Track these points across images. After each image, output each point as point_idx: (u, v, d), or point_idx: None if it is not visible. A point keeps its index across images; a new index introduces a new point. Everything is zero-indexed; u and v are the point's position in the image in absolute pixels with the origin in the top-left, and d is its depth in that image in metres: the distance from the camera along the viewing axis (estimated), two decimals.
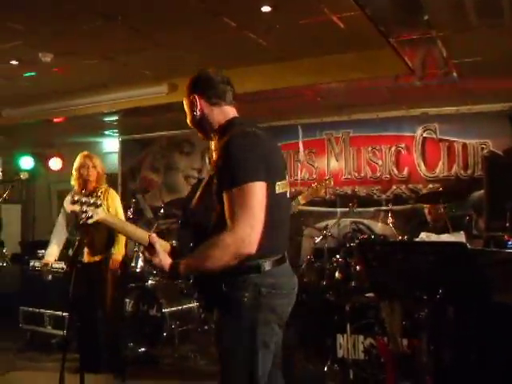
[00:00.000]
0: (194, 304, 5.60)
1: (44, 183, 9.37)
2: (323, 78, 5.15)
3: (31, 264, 6.01)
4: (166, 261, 2.19)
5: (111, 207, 4.56)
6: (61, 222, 4.89)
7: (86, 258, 4.63)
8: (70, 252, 4.55)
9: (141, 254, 5.36)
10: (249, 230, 2.01)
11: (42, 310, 5.70)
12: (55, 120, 7.06)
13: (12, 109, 6.81)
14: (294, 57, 5.04)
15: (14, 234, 8.71)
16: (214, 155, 2.29)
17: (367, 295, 4.21)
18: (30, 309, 5.84)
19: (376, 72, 4.95)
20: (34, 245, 7.24)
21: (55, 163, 8.39)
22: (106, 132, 8.40)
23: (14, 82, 5.78)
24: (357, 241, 4.65)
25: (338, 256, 4.97)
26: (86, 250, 4.60)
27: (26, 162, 8.13)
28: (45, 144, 8.63)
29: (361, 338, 4.35)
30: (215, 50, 4.89)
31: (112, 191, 4.70)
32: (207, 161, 7.92)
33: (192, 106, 2.39)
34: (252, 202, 2.03)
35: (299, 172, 7.03)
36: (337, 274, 4.86)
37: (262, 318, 2.11)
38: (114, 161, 8.96)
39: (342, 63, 4.93)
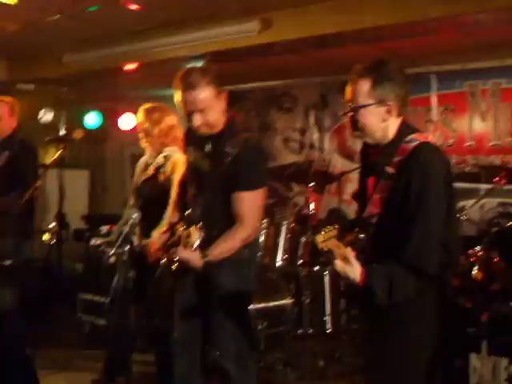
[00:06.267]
0: (289, 301, 5.49)
1: (115, 145, 9.58)
2: (463, 7, 4.70)
3: (92, 242, 6.16)
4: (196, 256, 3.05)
5: (170, 175, 4.46)
6: None
7: (135, 240, 4.60)
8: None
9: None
10: None
11: (103, 299, 5.82)
12: (126, 67, 7.14)
13: (74, 54, 6.94)
14: None
15: (81, 206, 9.01)
16: None
17: None
18: (89, 297, 6.01)
19: None
20: (99, 220, 7.41)
21: (128, 121, 8.49)
22: None
23: (73, 19, 5.87)
24: (496, 228, 4.28)
25: (477, 248, 4.66)
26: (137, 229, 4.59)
27: (93, 120, 8.29)
28: (115, 97, 8.80)
29: (503, 361, 4.05)
30: None
31: (176, 157, 4.59)
32: (312, 120, 7.73)
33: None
34: None
35: (431, 136, 6.64)
36: (475, 272, 4.56)
37: None
38: None
39: None
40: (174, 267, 3.18)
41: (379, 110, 2.62)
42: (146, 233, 4.56)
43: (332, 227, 2.53)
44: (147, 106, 4.65)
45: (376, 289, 2.49)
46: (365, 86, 2.62)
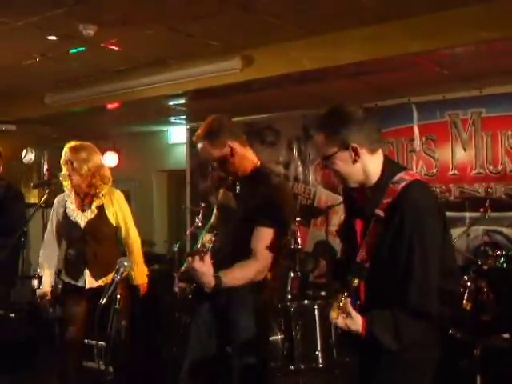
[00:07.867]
0: (278, 337, 5.46)
1: None
2: (443, 41, 4.80)
3: None
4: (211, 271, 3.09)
5: (119, 213, 4.50)
6: (49, 234, 4.81)
7: (87, 283, 4.56)
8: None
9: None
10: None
11: (91, 341, 5.75)
12: (109, 106, 7.17)
13: (56, 94, 6.97)
14: (403, 15, 4.76)
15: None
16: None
17: (506, 336, 3.89)
18: None
19: None
20: None
21: (110, 159, 8.53)
22: (172, 119, 8.44)
23: (56, 61, 5.90)
24: (484, 266, 4.30)
25: (465, 277, 4.65)
26: (86, 271, 4.55)
27: None
28: (97, 136, 8.80)
29: None
30: (301, 10, 4.71)
31: (118, 193, 4.61)
32: (295, 153, 7.77)
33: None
34: None
35: (414, 166, 6.70)
36: (464, 303, 4.57)
37: None
38: (181, 154, 9.01)
39: (468, 20, 4.58)
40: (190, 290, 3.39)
41: (344, 154, 2.58)
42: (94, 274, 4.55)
43: (342, 296, 2.46)
44: (73, 143, 4.57)
45: (381, 337, 2.45)
46: (321, 138, 2.62)
